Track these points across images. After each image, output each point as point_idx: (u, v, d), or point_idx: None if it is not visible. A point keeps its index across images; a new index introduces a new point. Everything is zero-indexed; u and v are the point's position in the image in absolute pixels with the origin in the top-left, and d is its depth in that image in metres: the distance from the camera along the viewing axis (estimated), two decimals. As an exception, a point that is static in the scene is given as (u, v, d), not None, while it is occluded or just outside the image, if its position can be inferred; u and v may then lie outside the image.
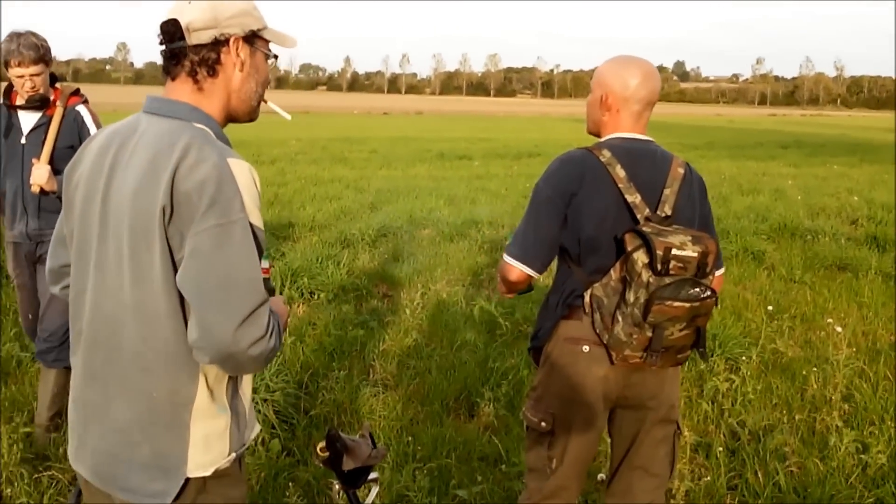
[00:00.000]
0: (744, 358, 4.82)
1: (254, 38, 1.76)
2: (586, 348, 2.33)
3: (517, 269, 2.40)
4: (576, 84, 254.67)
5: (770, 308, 5.97)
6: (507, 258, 2.41)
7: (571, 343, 2.36)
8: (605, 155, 2.30)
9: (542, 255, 2.38)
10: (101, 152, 1.69)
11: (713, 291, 2.19)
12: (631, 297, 2.18)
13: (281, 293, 6.26)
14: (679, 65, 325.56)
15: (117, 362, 1.65)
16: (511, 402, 4.27)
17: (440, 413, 4.20)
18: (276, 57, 1.84)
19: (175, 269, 1.56)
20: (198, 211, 1.52)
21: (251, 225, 1.57)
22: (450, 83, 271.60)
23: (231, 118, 1.79)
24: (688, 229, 2.22)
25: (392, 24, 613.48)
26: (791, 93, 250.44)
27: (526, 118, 61.68)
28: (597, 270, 2.29)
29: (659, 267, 2.13)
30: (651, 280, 2.14)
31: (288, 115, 1.97)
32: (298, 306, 6.11)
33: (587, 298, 2.30)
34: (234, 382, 1.71)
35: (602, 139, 2.42)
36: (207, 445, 1.66)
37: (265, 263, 1.92)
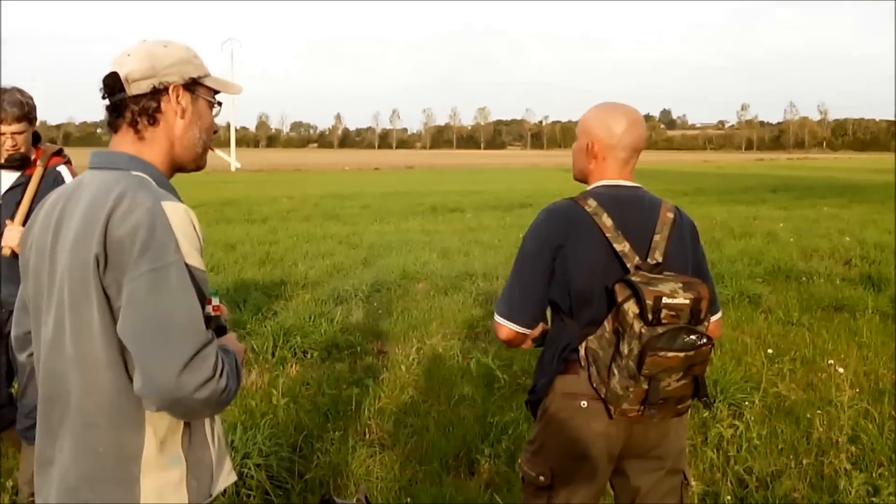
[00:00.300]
0: (746, 403, 4.74)
1: (195, 86, 1.77)
2: (584, 403, 2.26)
3: (505, 327, 2.36)
4: (564, 134, 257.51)
5: (770, 351, 5.90)
6: (496, 316, 2.38)
7: (569, 398, 2.30)
8: (591, 204, 2.27)
9: (529, 311, 2.33)
10: (49, 212, 1.71)
11: (709, 339, 2.14)
12: (625, 349, 2.13)
13: (273, 353, 6.18)
14: (665, 113, 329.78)
15: (67, 418, 1.63)
16: (512, 457, 4.16)
17: (439, 472, 4.09)
18: (219, 104, 1.85)
19: (114, 319, 1.54)
20: (131, 257, 1.51)
21: (188, 266, 1.55)
22: (440, 137, 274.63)
23: (177, 166, 1.79)
24: (679, 276, 2.18)
25: (381, 78, 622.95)
26: (777, 137, 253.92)
27: (516, 170, 62.22)
28: (590, 323, 2.24)
29: (650, 317, 2.08)
30: (643, 331, 2.08)
31: (237, 164, 1.96)
32: (291, 366, 6.01)
33: (582, 352, 2.24)
34: (189, 431, 1.67)
35: (588, 188, 2.39)
36: (161, 499, 1.61)
37: (215, 301, 1.90)
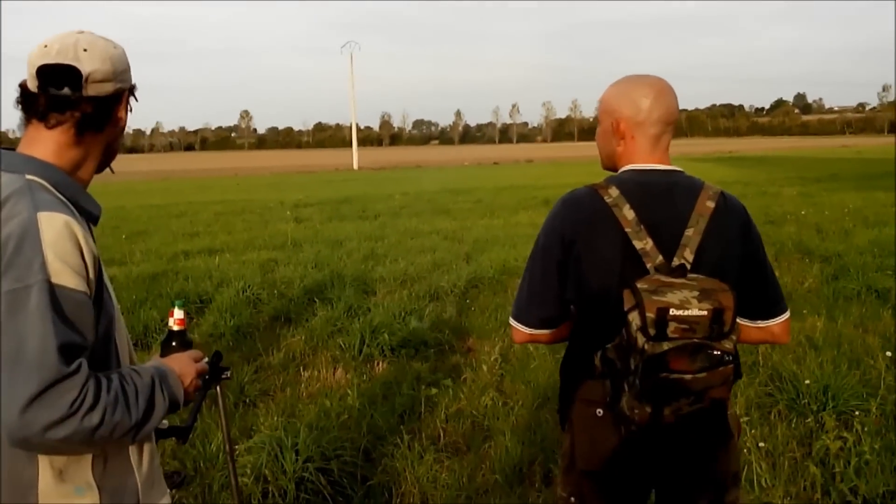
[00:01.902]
0: (858, 413, 4.24)
1: (130, 95, 1.70)
2: (600, 412, 1.99)
3: (515, 329, 2.13)
4: (690, 123, 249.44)
5: (889, 353, 5.30)
6: (510, 318, 2.15)
7: (586, 405, 2.03)
8: (612, 194, 1.97)
9: (538, 312, 2.08)
10: None
11: (730, 357, 1.80)
12: (632, 364, 1.82)
13: (360, 351, 6.09)
14: (800, 97, 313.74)
15: None
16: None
17: (511, 481, 3.85)
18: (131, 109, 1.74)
19: None
20: None
21: (58, 287, 1.38)
22: (561, 130, 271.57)
23: (100, 170, 1.70)
24: (704, 280, 1.83)
25: (501, 73, 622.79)
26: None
27: (638, 160, 60.49)
28: (609, 329, 1.91)
29: (651, 331, 1.77)
30: (646, 347, 1.77)
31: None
32: (378, 364, 5.91)
33: (597, 360, 1.94)
34: (105, 457, 1.53)
35: (615, 173, 2.09)
36: None
37: (178, 313, 1.76)
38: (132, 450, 1.63)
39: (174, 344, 1.79)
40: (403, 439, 4.19)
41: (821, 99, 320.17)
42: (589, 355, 1.96)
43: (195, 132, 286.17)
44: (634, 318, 1.79)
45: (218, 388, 2.84)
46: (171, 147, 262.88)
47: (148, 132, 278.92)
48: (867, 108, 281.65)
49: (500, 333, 6.55)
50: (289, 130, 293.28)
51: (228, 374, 2.64)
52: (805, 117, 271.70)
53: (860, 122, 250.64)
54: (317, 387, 5.40)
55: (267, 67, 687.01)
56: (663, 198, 1.97)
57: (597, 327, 1.96)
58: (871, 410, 4.30)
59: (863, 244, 10.18)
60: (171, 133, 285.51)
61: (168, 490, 1.73)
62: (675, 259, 1.90)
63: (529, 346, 6.09)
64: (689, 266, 1.88)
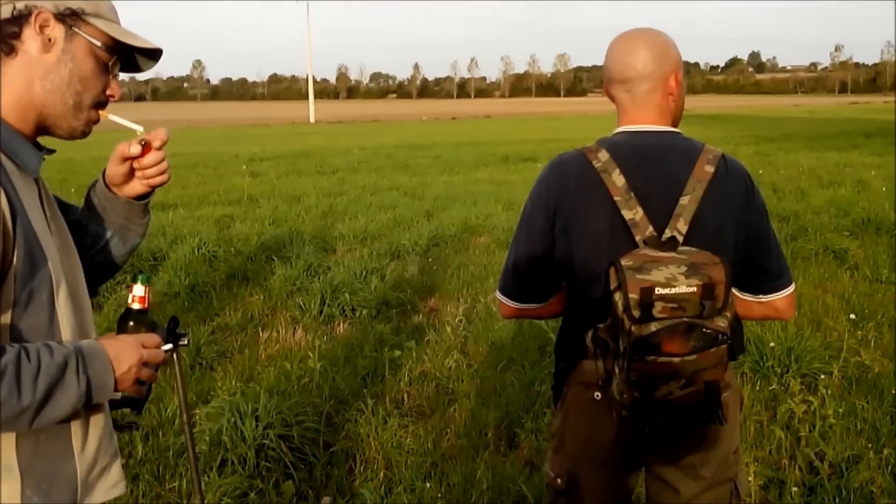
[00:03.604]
0: (822, 376, 4.26)
1: (76, 21, 1.43)
2: (598, 395, 1.89)
3: (502, 303, 2.02)
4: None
5: (853, 316, 5.35)
6: (497, 291, 2.04)
7: (583, 387, 1.93)
8: (601, 158, 1.82)
9: (523, 285, 1.96)
10: None
11: (723, 336, 1.69)
12: (621, 346, 1.71)
13: (321, 312, 5.96)
14: (754, 56, 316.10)
15: None
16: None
17: (476, 446, 3.79)
18: (113, 55, 1.49)
19: None
20: None
21: None
22: (519, 85, 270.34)
23: (40, 117, 1.45)
24: (695, 253, 1.71)
25: (459, 27, 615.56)
26: (872, 80, 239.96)
27: (596, 116, 60.44)
28: (601, 306, 1.78)
29: (635, 313, 1.66)
30: (632, 329, 1.67)
31: (139, 127, 1.62)
32: (339, 325, 5.80)
33: (588, 340, 1.82)
34: (35, 439, 1.39)
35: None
36: None
37: (139, 290, 1.58)
38: (75, 429, 1.46)
39: (131, 324, 1.60)
40: (367, 403, 4.09)
41: (774, 58, 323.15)
42: (581, 335, 1.85)
43: (146, 82, 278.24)
44: (619, 298, 1.69)
45: (174, 354, 2.71)
46: (120, 97, 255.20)
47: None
48: (819, 67, 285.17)
49: (464, 293, 6.48)
50: (243, 82, 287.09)
51: (185, 340, 2.50)
52: (759, 76, 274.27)
53: (812, 81, 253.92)
54: (276, 348, 5.28)
55: (220, 16, 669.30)
56: (657, 162, 1.83)
57: (588, 305, 1.85)
58: (833, 373, 4.32)
59: (819, 204, 10.28)
60: (121, 83, 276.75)
61: (123, 479, 1.58)
62: (667, 230, 1.77)
63: (492, 306, 6.02)
64: (681, 238, 1.75)
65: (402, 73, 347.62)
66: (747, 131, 30.43)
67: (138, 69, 1.63)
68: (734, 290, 1.91)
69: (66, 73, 1.43)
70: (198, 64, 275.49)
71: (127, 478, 3.48)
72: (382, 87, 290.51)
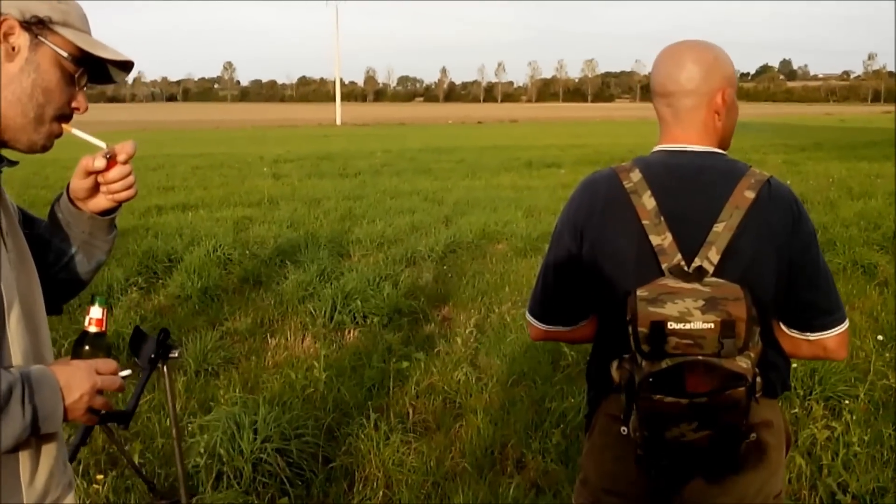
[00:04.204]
0: (847, 400, 4.06)
1: (42, 30, 1.33)
2: (624, 430, 1.73)
3: (530, 324, 1.91)
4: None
5: (880, 338, 5.12)
6: (526, 311, 1.94)
7: (611, 420, 1.79)
8: (633, 178, 1.69)
9: (551, 307, 1.86)
10: None
11: (742, 377, 1.54)
12: (636, 380, 1.58)
13: (332, 318, 5.85)
14: (786, 63, 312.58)
15: None
16: (565, 454, 3.68)
17: (481, 466, 3.64)
18: (79, 68, 1.38)
19: None
20: None
21: None
22: (546, 90, 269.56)
23: (0, 131, 1.34)
24: (715, 287, 1.56)
25: (487, 32, 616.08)
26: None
27: (623, 122, 60.16)
28: (626, 334, 1.64)
29: (645, 348, 1.53)
30: (644, 364, 1.54)
31: (102, 143, 1.50)
32: (349, 332, 5.68)
33: (613, 371, 1.69)
34: None
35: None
36: None
37: (96, 312, 1.47)
38: (23, 459, 1.36)
39: (86, 348, 1.49)
40: (370, 417, 3.95)
41: (806, 66, 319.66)
42: (609, 364, 1.72)
43: (177, 83, 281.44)
44: (632, 331, 1.57)
45: (165, 367, 2.62)
46: (152, 97, 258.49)
47: (130, 82, 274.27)
48: (852, 76, 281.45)
49: (477, 302, 6.34)
50: (272, 83, 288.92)
51: (177, 353, 2.42)
52: (790, 84, 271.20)
53: (844, 90, 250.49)
54: (283, 356, 5.17)
55: (251, 19, 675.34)
56: (692, 185, 1.68)
57: (615, 333, 1.70)
58: (859, 396, 4.12)
59: (848, 216, 10.00)
60: (154, 83, 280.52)
61: None
62: (696, 259, 1.62)
63: (506, 317, 5.88)
64: (711, 268, 1.60)
65: (430, 77, 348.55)
66: (777, 140, 29.98)
67: (110, 80, 1.51)
68: (782, 326, 1.77)
69: (29, 83, 1.33)
70: (228, 66, 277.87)
71: (120, 489, 3.40)
72: (410, 91, 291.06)
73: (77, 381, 1.34)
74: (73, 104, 1.40)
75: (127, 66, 1.46)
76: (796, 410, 3.94)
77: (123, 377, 1.47)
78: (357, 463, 3.63)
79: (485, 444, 3.81)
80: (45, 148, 1.40)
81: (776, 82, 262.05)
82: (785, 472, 2.13)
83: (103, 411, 1.44)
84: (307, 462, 3.55)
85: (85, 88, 1.42)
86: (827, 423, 3.72)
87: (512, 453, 3.77)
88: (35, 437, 1.32)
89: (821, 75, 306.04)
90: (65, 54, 1.35)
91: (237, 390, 4.41)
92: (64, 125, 1.41)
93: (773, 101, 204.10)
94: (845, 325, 1.76)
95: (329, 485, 3.46)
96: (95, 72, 1.45)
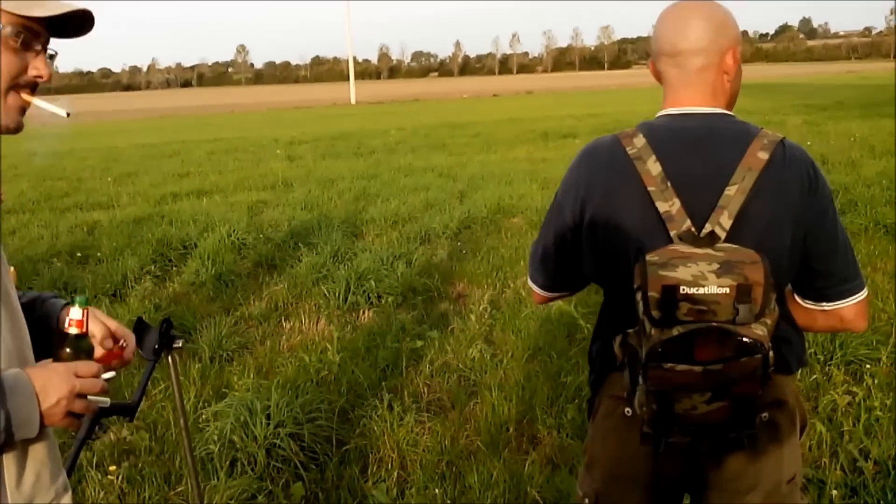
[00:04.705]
0: (869, 364, 3.97)
1: None
2: (628, 411, 1.69)
3: (533, 290, 1.91)
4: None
5: (904, 298, 5.02)
6: (528, 277, 1.92)
7: (614, 402, 1.74)
8: (637, 144, 1.61)
9: (551, 274, 1.83)
10: None
11: (758, 345, 1.45)
12: (642, 352, 1.52)
13: (346, 299, 5.82)
14: (805, 21, 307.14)
15: None
16: (581, 429, 3.63)
17: (497, 442, 3.61)
18: (19, 28, 1.28)
19: None
20: None
21: None
22: (562, 59, 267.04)
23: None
24: (729, 251, 1.48)
25: (500, 2, 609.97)
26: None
27: (641, 89, 59.30)
28: (631, 307, 1.57)
29: (655, 314, 1.46)
30: (653, 332, 1.48)
31: (62, 111, 1.42)
32: (363, 313, 5.65)
33: (616, 347, 1.64)
34: None
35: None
36: None
37: (76, 314, 1.42)
38: (8, 462, 1.32)
39: (67, 351, 1.45)
40: (384, 398, 3.93)
41: (826, 23, 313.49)
42: (612, 341, 1.67)
43: (192, 68, 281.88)
44: (640, 297, 1.50)
45: (169, 358, 2.60)
46: (167, 84, 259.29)
47: (144, 69, 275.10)
48: (873, 32, 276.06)
49: (492, 278, 6.28)
50: (286, 65, 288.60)
51: (180, 343, 2.40)
52: (810, 42, 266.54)
53: (866, 46, 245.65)
54: (298, 339, 5.15)
55: (263, 2, 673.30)
56: (700, 148, 1.60)
57: (619, 308, 1.65)
58: (881, 360, 4.03)
59: (870, 176, 9.80)
60: (168, 70, 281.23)
61: None
62: (707, 225, 1.54)
63: (522, 291, 5.82)
64: (724, 234, 1.52)
65: (444, 52, 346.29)
66: (797, 100, 29.47)
67: (74, 34, 1.40)
68: (796, 297, 1.70)
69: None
70: (241, 48, 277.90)
71: (134, 479, 3.40)
72: (424, 66, 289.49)
73: (54, 384, 1.30)
74: (33, 73, 1.32)
75: (85, 16, 1.35)
76: (816, 376, 3.87)
77: (106, 380, 1.44)
78: (371, 445, 3.61)
79: (500, 422, 3.78)
80: (15, 125, 1.33)
81: (796, 42, 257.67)
82: (800, 452, 2.07)
83: (85, 415, 1.40)
84: (321, 446, 3.54)
85: (47, 53, 1.33)
86: (848, 389, 3.65)
87: (527, 429, 3.73)
88: (11, 442, 1.28)
89: (842, 32, 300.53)
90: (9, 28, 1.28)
91: (251, 376, 4.40)
92: (25, 96, 1.33)
93: (794, 61, 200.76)
94: (863, 293, 1.68)
95: (343, 468, 3.44)
96: (58, 31, 1.36)
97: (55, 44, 1.39)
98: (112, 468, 3.38)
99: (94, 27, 1.39)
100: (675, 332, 1.46)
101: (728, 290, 1.44)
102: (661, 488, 1.75)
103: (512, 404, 3.92)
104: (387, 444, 3.59)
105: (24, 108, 1.34)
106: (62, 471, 1.51)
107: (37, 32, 1.31)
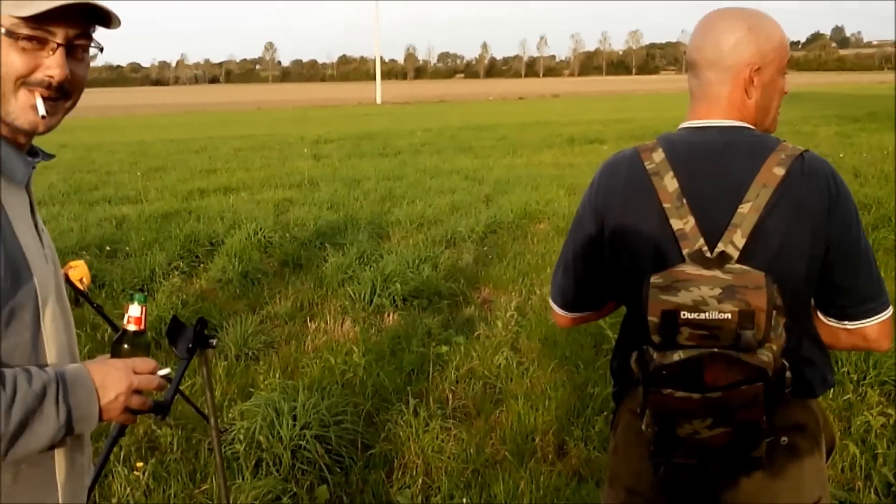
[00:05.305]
0: (904, 385, 3.91)
1: None
2: (644, 426, 1.67)
3: (554, 311, 1.85)
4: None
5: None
6: (550, 298, 1.87)
7: (633, 416, 1.70)
8: (655, 159, 1.59)
9: (572, 294, 1.79)
10: None
11: (759, 372, 1.43)
12: (645, 375, 1.51)
13: (371, 301, 5.81)
14: (838, 30, 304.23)
15: None
16: (607, 441, 3.59)
17: (523, 451, 3.58)
18: (15, 31, 1.26)
19: None
20: None
21: None
22: (589, 63, 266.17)
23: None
24: (738, 274, 1.46)
25: (528, 4, 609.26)
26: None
27: (668, 95, 58.96)
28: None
29: (655, 338, 1.45)
30: (654, 356, 1.46)
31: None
32: (388, 315, 5.64)
33: (632, 362, 1.60)
34: (14, 465, 1.28)
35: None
36: None
37: (134, 310, 1.44)
38: (59, 458, 1.35)
39: (126, 347, 1.47)
40: (409, 403, 3.91)
41: (859, 32, 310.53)
42: (629, 356, 1.63)
43: (220, 65, 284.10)
44: (645, 321, 1.48)
45: (204, 357, 2.61)
46: (195, 80, 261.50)
47: (173, 65, 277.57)
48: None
49: (518, 284, 6.25)
50: (313, 63, 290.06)
51: (214, 342, 2.41)
52: (842, 51, 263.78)
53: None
54: (323, 340, 5.15)
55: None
56: (716, 163, 1.57)
57: (636, 323, 1.62)
58: (916, 381, 3.96)
59: (904, 190, 9.65)
60: (196, 66, 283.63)
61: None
62: (720, 244, 1.51)
63: (548, 299, 5.77)
64: (737, 253, 1.50)
65: (470, 53, 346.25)
66: (829, 110, 29.14)
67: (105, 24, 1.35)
68: (819, 315, 1.66)
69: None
70: (269, 46, 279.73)
71: (161, 475, 3.41)
72: (450, 67, 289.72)
73: (113, 380, 1.33)
74: (45, 72, 1.29)
75: (94, 8, 1.31)
76: (849, 396, 3.80)
77: (162, 376, 1.44)
78: (396, 450, 3.60)
79: (525, 431, 3.75)
80: (28, 126, 1.30)
81: (828, 50, 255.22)
82: (826, 475, 2.03)
83: (142, 411, 1.42)
84: (346, 449, 3.53)
85: (62, 51, 1.29)
86: (882, 410, 3.58)
87: (553, 440, 3.70)
88: (70, 435, 1.31)
89: (875, 42, 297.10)
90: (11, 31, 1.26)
91: (277, 375, 4.40)
92: (35, 92, 1.29)
93: (825, 70, 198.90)
94: (888, 312, 1.63)
95: (368, 472, 3.43)
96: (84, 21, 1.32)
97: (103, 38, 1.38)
98: (139, 464, 3.39)
99: (119, 20, 1.34)
100: (676, 357, 1.45)
101: (730, 316, 1.43)
102: None
103: (538, 414, 3.89)
104: (412, 449, 3.57)
105: (37, 107, 1.30)
106: (92, 464, 1.53)
107: (49, 29, 1.27)
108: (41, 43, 1.28)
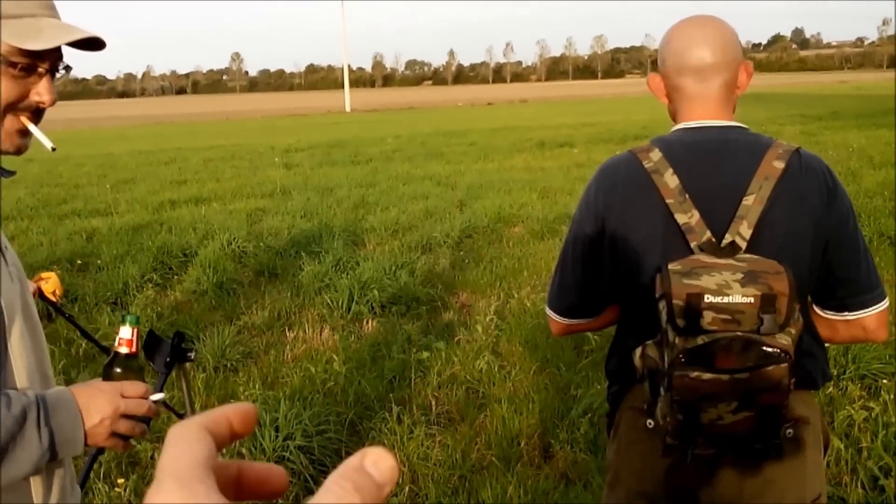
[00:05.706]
0: (884, 379, 3.94)
1: None
2: (650, 423, 1.65)
3: (551, 319, 1.84)
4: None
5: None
6: (546, 306, 1.86)
7: (636, 414, 1.70)
8: (653, 158, 1.61)
9: (571, 300, 1.78)
10: None
11: (782, 354, 1.43)
12: (665, 361, 1.50)
13: (349, 309, 5.77)
14: (798, 32, 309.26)
15: None
16: (593, 443, 3.58)
17: (508, 455, 3.56)
18: (15, 54, 1.22)
19: None
20: None
21: None
22: (556, 68, 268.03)
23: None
24: (752, 261, 1.48)
25: (494, 11, 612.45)
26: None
27: (634, 98, 59.48)
28: (651, 321, 1.57)
29: (679, 322, 1.45)
30: (677, 341, 1.46)
31: (49, 143, 1.37)
32: (367, 322, 5.60)
33: (636, 359, 1.60)
34: None
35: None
36: None
37: (125, 333, 1.40)
38: (35, 482, 1.30)
39: (117, 370, 1.42)
40: (392, 410, 3.88)
41: (819, 34, 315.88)
42: (630, 354, 1.63)
43: (186, 76, 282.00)
44: (663, 307, 1.48)
45: (182, 370, 2.57)
46: (162, 91, 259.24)
47: (139, 76, 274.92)
48: (866, 42, 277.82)
49: (496, 288, 6.24)
50: (280, 73, 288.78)
51: (192, 355, 2.36)
52: (802, 53, 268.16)
53: (858, 56, 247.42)
54: (302, 349, 5.10)
55: (258, 8, 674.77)
56: (716, 159, 1.60)
57: (639, 320, 1.63)
58: (895, 373, 4.00)
59: (871, 187, 9.80)
60: (163, 77, 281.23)
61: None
62: (727, 235, 1.53)
63: (526, 302, 5.78)
64: (744, 243, 1.52)
65: (438, 60, 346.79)
66: (793, 110, 29.57)
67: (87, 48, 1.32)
68: (816, 309, 1.68)
69: None
70: (236, 56, 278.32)
71: (142, 492, 3.34)
72: (418, 75, 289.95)
73: (98, 404, 1.29)
74: (35, 98, 1.27)
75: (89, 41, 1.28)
76: (831, 391, 3.83)
77: (154, 401, 1.40)
78: (381, 458, 3.55)
79: (511, 435, 3.73)
80: (12, 149, 1.28)
81: (789, 52, 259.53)
82: (824, 472, 2.03)
83: (130, 438, 1.37)
84: (330, 459, 3.48)
85: (49, 77, 1.27)
86: (864, 404, 3.61)
87: (539, 443, 3.68)
88: (54, 461, 1.26)
89: (834, 43, 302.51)
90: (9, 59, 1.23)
91: (257, 386, 4.34)
92: (24, 119, 1.27)
93: (787, 71, 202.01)
94: (885, 303, 1.67)
95: (354, 482, 3.39)
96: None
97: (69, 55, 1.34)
98: (120, 480, 3.32)
99: (105, 45, 1.34)
100: (700, 340, 1.45)
101: (753, 300, 1.44)
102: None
103: (523, 417, 3.88)
104: (397, 457, 3.53)
105: (24, 131, 1.29)
106: (77, 488, 1.49)
107: (40, 55, 1.25)
108: (30, 70, 1.25)
